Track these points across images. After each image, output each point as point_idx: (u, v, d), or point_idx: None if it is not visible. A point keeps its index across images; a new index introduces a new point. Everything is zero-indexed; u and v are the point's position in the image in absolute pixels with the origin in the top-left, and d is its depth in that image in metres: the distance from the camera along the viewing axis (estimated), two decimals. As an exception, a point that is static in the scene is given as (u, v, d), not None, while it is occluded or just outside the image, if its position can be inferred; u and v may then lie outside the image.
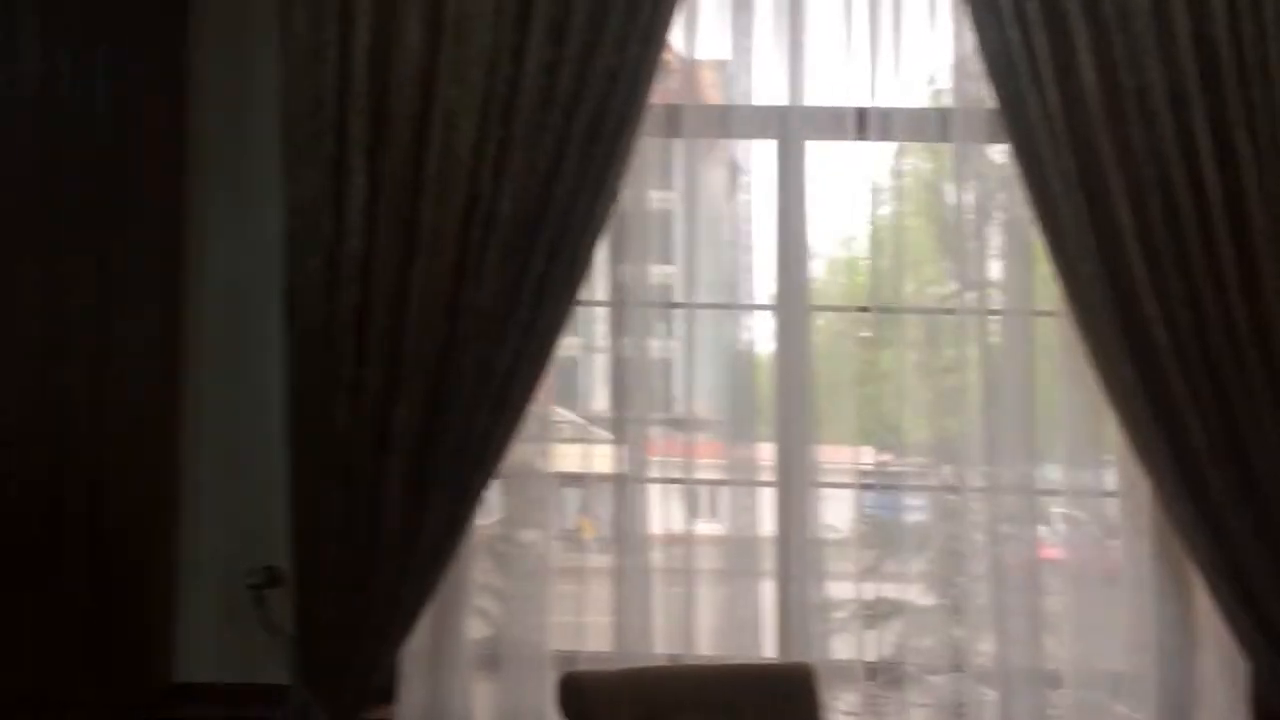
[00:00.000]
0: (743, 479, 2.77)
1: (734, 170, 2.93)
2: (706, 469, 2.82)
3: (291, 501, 2.51)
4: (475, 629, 2.74)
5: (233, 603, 2.69)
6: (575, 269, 2.50)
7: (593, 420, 2.95)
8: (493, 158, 2.43)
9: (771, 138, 2.82)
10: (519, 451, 2.62)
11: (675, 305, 2.86)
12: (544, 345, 2.51)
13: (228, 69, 2.78)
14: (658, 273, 2.84)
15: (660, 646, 2.72)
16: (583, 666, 2.60)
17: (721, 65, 2.92)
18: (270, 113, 2.54)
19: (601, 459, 2.85)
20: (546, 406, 2.71)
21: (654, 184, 2.78)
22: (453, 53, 2.42)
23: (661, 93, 2.67)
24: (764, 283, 2.82)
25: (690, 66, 2.83)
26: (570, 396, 2.92)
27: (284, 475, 2.53)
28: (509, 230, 2.44)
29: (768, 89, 2.82)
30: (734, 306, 2.79)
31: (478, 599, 2.77)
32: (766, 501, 2.78)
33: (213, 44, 2.78)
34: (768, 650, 2.74)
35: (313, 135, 2.43)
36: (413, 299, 2.45)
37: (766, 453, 2.80)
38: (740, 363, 2.81)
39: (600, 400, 2.95)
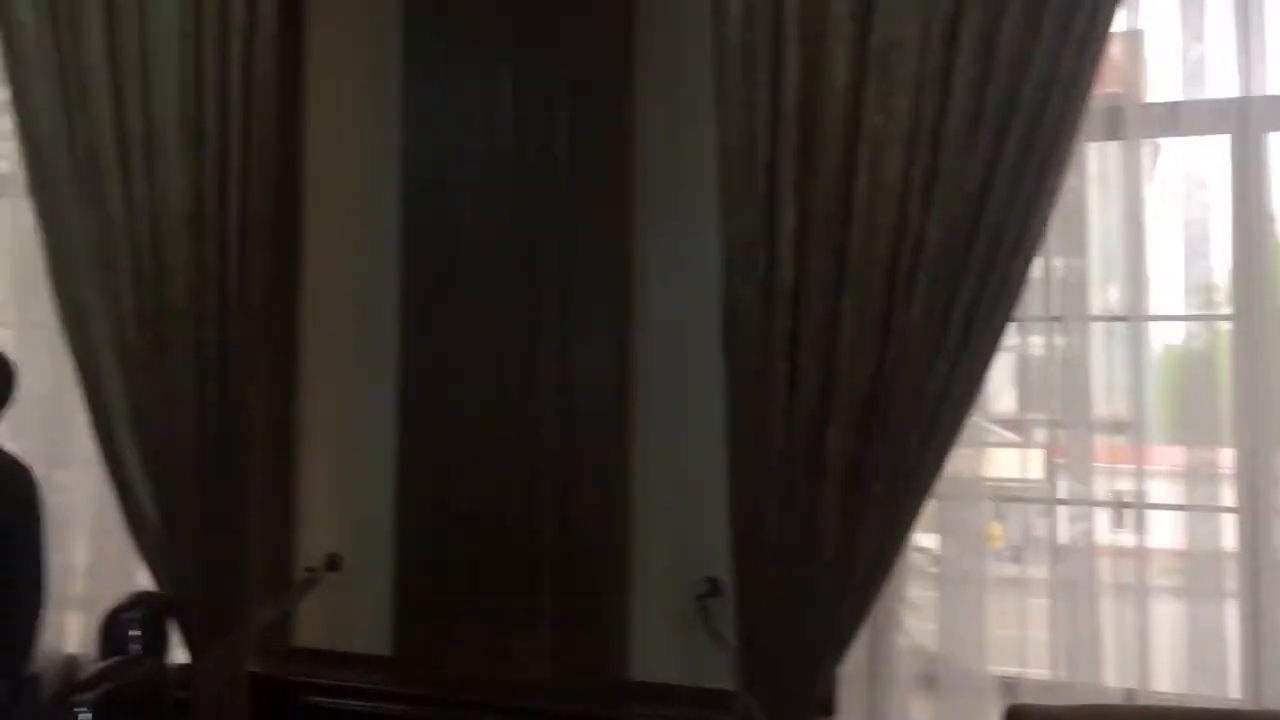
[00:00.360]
0: (1200, 492, 2.45)
1: (1156, 151, 2.59)
2: (1148, 476, 2.51)
3: (731, 518, 2.48)
4: (912, 647, 2.61)
5: (680, 610, 2.72)
6: (1008, 290, 2.29)
7: (1009, 424, 2.71)
8: (920, 183, 2.28)
9: (1225, 133, 2.46)
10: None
11: (1118, 319, 2.57)
12: (976, 367, 2.33)
13: (668, 114, 2.81)
14: (1068, 265, 2.56)
15: (1110, 675, 2.45)
16: (1027, 695, 2.40)
17: (1165, 54, 2.57)
18: (706, 153, 2.53)
19: (1016, 464, 2.63)
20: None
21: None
22: (879, 82, 2.28)
23: (1098, 92, 2.39)
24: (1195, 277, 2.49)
25: (1129, 59, 2.52)
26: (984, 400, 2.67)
27: (725, 492, 2.51)
28: (938, 255, 2.28)
29: (1219, 77, 2.46)
30: (1197, 318, 2.48)
31: (913, 616, 2.63)
32: (1225, 514, 2.44)
33: (655, 92, 2.82)
34: (1233, 685, 2.39)
35: (746, 173, 2.38)
36: (843, 325, 2.34)
37: (1224, 459, 2.45)
38: (1190, 362, 2.49)
39: (1018, 402, 2.71)
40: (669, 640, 2.76)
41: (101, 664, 2.68)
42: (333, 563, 3.07)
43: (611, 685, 2.75)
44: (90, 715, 2.44)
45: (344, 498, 3.12)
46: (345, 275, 3.14)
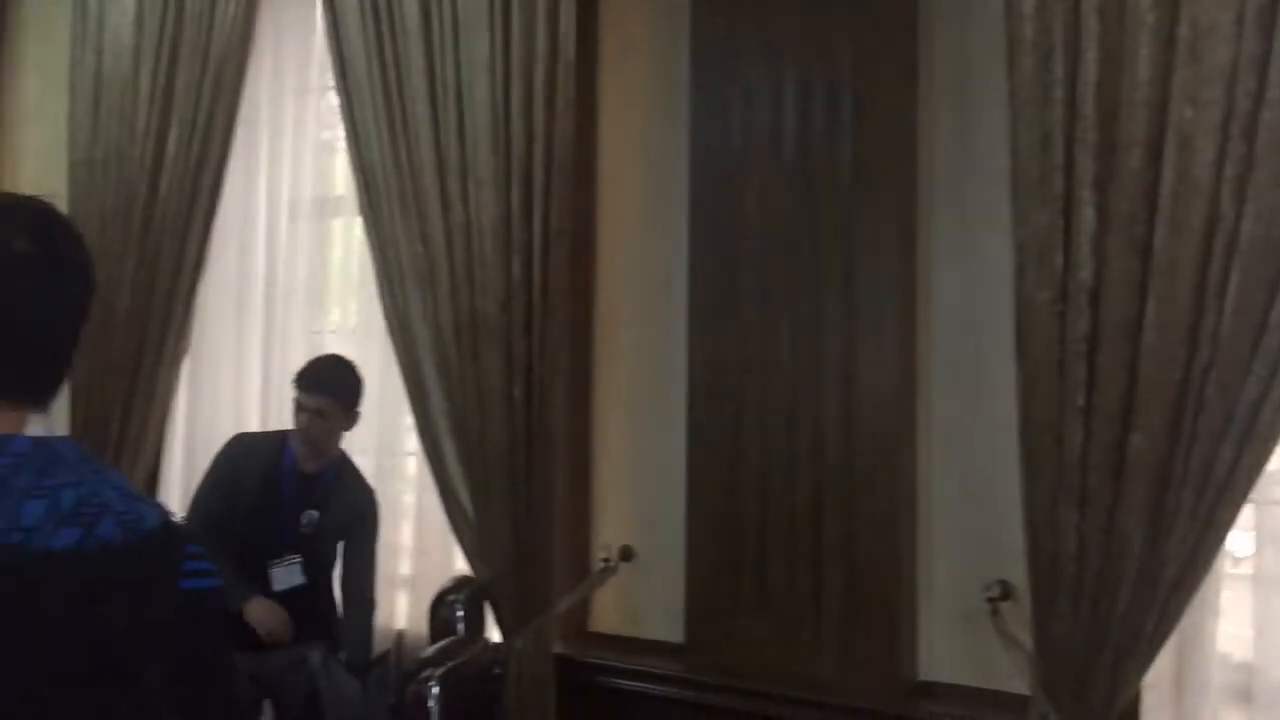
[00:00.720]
0: None
1: None
2: None
3: (1026, 522, 2.38)
4: (1222, 656, 2.42)
5: (969, 612, 2.63)
6: (1337, 288, 2.07)
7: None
8: (1234, 177, 2.10)
9: None
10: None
11: None
12: (1299, 370, 2.12)
13: (955, 113, 2.72)
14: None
15: None
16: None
17: None
18: (995, 152, 2.43)
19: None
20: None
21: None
22: (1187, 72, 2.12)
23: None
24: None
25: None
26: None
27: (1017, 495, 2.41)
28: (1255, 252, 2.09)
29: None
30: None
31: (1225, 623, 2.43)
32: None
33: (942, 91, 2.74)
34: None
35: (1040, 173, 2.27)
36: (1147, 327, 2.19)
37: None
38: None
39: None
40: (957, 641, 2.67)
41: (442, 642, 2.88)
42: (626, 554, 3.16)
43: (899, 682, 2.69)
44: (439, 687, 2.63)
45: (636, 493, 3.20)
46: (636, 280, 3.21)
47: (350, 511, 3.22)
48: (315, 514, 3.16)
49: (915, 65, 2.73)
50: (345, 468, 3.25)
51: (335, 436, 3.19)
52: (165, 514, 1.28)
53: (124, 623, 1.18)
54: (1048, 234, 2.28)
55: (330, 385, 3.12)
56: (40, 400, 1.24)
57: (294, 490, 3.18)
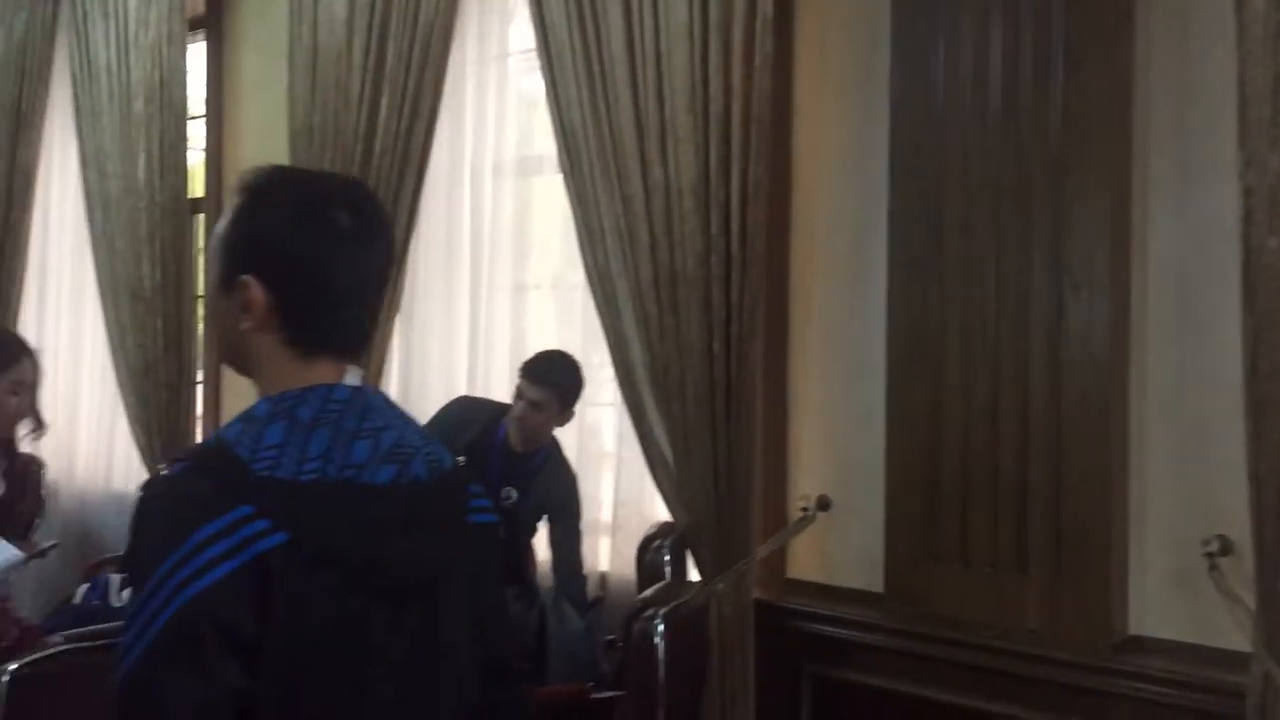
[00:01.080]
0: None
1: None
2: None
3: (1250, 476, 2.29)
4: None
5: (1185, 567, 2.55)
6: None
7: None
8: None
9: None
10: None
11: None
12: None
13: (1173, 58, 2.59)
14: None
15: None
16: None
17: None
18: (1215, 95, 2.32)
19: None
20: None
21: None
22: None
23: None
24: None
25: None
26: None
27: (1237, 450, 2.32)
28: None
29: None
30: None
31: None
32: None
33: (1160, 37, 2.61)
34: None
35: (1272, 115, 2.15)
36: (1391, 273, 2.07)
37: None
38: None
39: None
40: (1172, 596, 2.60)
41: (660, 584, 3.00)
42: (824, 504, 3.18)
43: (1108, 635, 2.64)
44: (663, 625, 2.75)
45: (834, 444, 3.21)
46: (834, 233, 3.20)
47: (550, 497, 3.36)
48: (515, 492, 3.30)
49: (1131, 5, 2.62)
50: (554, 454, 3.38)
51: (547, 428, 3.32)
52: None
53: (430, 549, 1.34)
54: (1278, 178, 2.17)
55: (552, 381, 3.25)
56: (356, 354, 1.38)
57: (500, 464, 3.33)
